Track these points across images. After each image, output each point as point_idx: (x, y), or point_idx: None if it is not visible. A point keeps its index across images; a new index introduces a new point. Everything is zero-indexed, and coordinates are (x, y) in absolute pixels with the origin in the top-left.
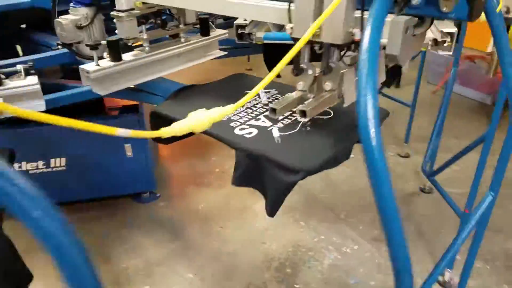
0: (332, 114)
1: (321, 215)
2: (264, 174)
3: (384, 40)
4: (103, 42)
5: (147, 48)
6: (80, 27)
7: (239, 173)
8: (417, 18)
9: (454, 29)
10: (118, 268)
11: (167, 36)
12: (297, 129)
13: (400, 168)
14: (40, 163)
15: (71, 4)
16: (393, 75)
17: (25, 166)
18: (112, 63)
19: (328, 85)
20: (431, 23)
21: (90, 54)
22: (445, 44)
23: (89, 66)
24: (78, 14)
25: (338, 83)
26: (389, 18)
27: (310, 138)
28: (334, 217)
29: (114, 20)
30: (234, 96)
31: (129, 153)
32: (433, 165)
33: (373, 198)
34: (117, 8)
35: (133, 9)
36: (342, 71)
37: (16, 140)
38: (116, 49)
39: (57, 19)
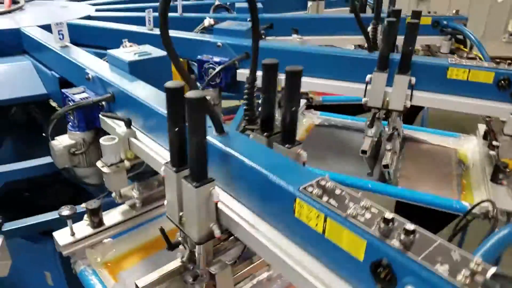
0: None
1: None
2: None
3: None
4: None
5: (138, 205)
6: (74, 154)
7: None
8: None
9: None
10: None
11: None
12: None
13: None
14: None
15: (69, 126)
16: None
17: None
18: (91, 230)
19: None
20: None
21: (86, 176)
22: None
23: (61, 237)
24: (74, 138)
25: None
26: None
27: None
28: None
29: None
30: None
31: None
32: None
33: None
34: (103, 160)
35: (122, 161)
36: None
37: None
38: (97, 214)
39: (50, 142)
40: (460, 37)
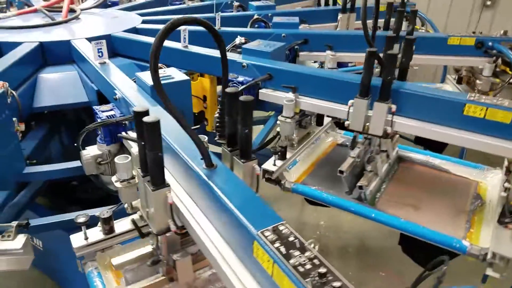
0: None
1: None
2: None
3: None
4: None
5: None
6: (100, 163)
7: None
8: None
9: None
10: None
11: None
12: None
13: None
14: None
15: (98, 138)
16: None
17: None
18: (103, 236)
19: None
20: None
21: (109, 183)
22: None
23: (76, 239)
24: (101, 149)
25: None
26: None
27: None
28: None
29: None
30: None
31: None
32: None
33: None
34: (117, 175)
35: (134, 177)
36: None
37: None
38: (108, 222)
39: (81, 151)
40: None
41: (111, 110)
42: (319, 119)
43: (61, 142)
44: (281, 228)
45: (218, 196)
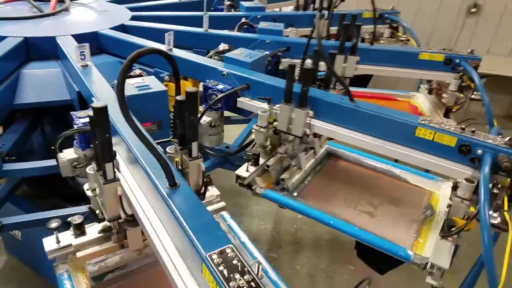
0: None
1: None
2: None
3: None
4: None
5: None
6: (75, 167)
7: None
8: None
9: None
10: None
11: None
12: None
13: None
14: None
15: (74, 142)
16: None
17: None
18: (74, 240)
19: None
20: None
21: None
22: None
23: (49, 243)
24: (77, 153)
25: None
26: None
27: None
28: None
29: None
30: None
31: None
32: None
33: None
34: (88, 184)
35: None
36: None
37: None
38: (80, 227)
39: (58, 154)
40: None
41: (88, 116)
42: None
43: (43, 136)
44: (227, 251)
45: (176, 215)
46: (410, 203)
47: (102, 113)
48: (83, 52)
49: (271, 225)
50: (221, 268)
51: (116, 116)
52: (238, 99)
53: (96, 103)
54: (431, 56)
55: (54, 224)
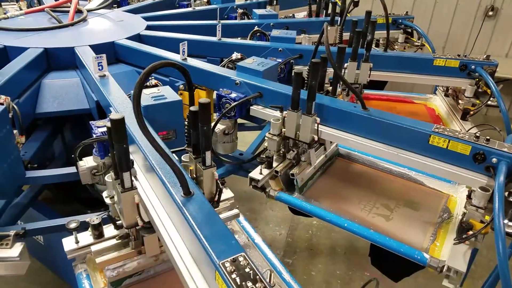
0: None
1: None
2: None
3: None
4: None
5: None
6: (94, 175)
7: None
8: None
9: None
10: None
11: None
12: None
13: None
14: None
15: (94, 150)
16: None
17: None
18: (92, 240)
19: None
20: None
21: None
22: None
23: (68, 243)
24: (96, 161)
25: None
26: None
27: None
28: None
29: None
30: None
31: None
32: None
33: None
34: (107, 192)
35: None
36: None
37: None
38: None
39: (78, 162)
40: None
41: (105, 126)
42: None
43: (64, 143)
44: (240, 259)
45: (190, 224)
46: (427, 206)
47: (119, 124)
48: (100, 63)
49: (286, 230)
50: (233, 276)
51: (133, 125)
52: (251, 107)
53: (113, 115)
54: (446, 62)
55: (73, 225)
